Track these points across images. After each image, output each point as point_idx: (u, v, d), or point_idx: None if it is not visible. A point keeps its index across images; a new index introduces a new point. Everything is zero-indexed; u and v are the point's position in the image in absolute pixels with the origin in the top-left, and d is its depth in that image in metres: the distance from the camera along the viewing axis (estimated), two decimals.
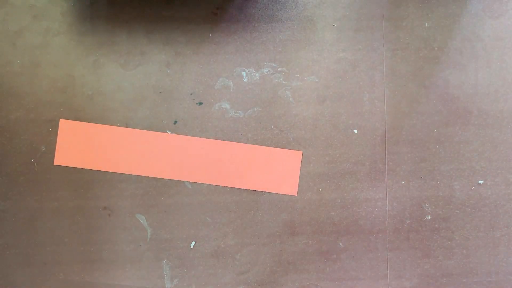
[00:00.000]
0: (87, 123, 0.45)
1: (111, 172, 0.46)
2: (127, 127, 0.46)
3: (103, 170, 0.45)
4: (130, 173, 0.45)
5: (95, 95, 0.46)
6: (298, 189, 0.46)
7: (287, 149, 0.45)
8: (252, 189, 0.45)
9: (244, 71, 0.46)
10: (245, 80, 0.46)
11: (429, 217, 0.47)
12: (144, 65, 0.46)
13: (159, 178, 0.46)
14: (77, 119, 0.46)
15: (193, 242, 0.46)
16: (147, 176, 0.45)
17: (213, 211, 0.46)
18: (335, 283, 0.47)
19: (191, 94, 0.46)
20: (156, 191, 0.46)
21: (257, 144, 0.46)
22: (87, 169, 0.46)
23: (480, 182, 0.46)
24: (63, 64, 0.46)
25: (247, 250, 0.46)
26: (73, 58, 0.46)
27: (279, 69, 0.46)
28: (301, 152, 0.45)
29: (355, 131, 0.46)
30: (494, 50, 0.46)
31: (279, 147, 0.46)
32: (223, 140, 0.46)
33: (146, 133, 0.45)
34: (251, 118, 0.46)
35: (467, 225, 0.47)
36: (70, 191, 0.46)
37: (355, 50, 0.46)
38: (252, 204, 0.46)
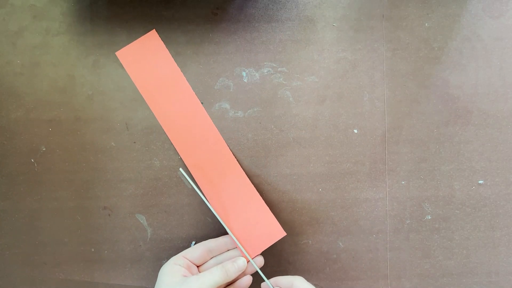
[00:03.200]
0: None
1: (111, 172, 0.46)
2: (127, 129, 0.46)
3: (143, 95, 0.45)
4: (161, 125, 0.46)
5: (95, 95, 0.46)
6: (298, 189, 0.46)
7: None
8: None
9: (244, 71, 0.46)
10: (245, 80, 0.46)
11: (429, 217, 0.47)
12: None
13: (159, 178, 0.46)
14: (77, 119, 0.46)
15: (193, 242, 0.46)
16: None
17: None
18: (335, 283, 0.47)
19: None
20: (156, 191, 0.46)
21: (257, 144, 0.46)
22: (87, 169, 0.46)
23: (480, 182, 0.46)
24: (63, 64, 0.46)
25: None
26: (73, 58, 0.46)
27: (279, 69, 0.46)
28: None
29: (355, 131, 0.46)
30: (494, 50, 0.46)
31: (279, 147, 0.46)
32: (223, 139, 0.46)
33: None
34: (251, 118, 0.46)
35: (467, 225, 0.47)
36: (70, 191, 0.46)
37: (355, 50, 0.46)
38: None
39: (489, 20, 0.46)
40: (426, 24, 0.46)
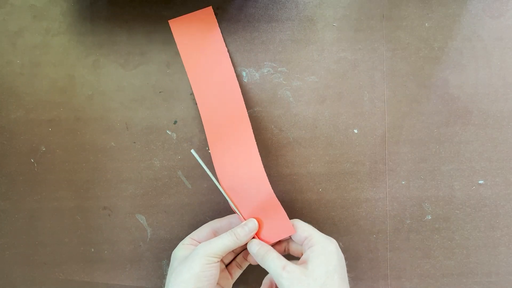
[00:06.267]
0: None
1: (111, 172, 0.46)
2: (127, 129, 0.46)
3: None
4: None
5: (95, 95, 0.46)
6: (298, 189, 0.46)
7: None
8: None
9: (244, 71, 0.46)
10: (245, 80, 0.46)
11: (429, 217, 0.47)
12: (144, 65, 0.46)
13: (159, 178, 0.46)
14: (77, 119, 0.46)
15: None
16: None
17: (213, 211, 0.46)
18: None
19: (191, 94, 0.46)
20: (156, 191, 0.46)
21: (257, 144, 0.46)
22: (87, 169, 0.46)
23: (480, 182, 0.46)
24: (63, 64, 0.46)
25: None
26: (73, 58, 0.46)
27: (279, 69, 0.46)
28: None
29: (355, 131, 0.46)
30: (494, 50, 0.46)
31: (279, 147, 0.46)
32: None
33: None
34: (251, 118, 0.46)
35: (467, 225, 0.47)
36: (70, 191, 0.46)
37: (355, 50, 0.46)
38: None
39: (489, 20, 0.46)
40: (426, 24, 0.46)
